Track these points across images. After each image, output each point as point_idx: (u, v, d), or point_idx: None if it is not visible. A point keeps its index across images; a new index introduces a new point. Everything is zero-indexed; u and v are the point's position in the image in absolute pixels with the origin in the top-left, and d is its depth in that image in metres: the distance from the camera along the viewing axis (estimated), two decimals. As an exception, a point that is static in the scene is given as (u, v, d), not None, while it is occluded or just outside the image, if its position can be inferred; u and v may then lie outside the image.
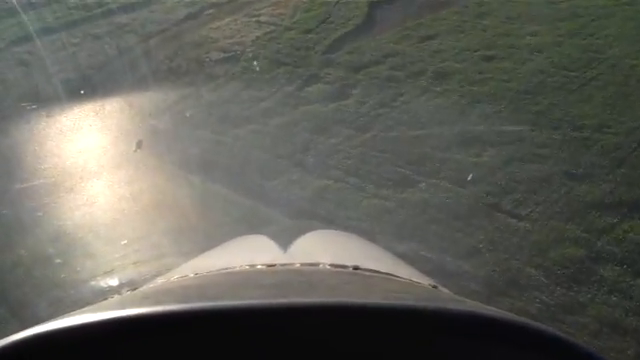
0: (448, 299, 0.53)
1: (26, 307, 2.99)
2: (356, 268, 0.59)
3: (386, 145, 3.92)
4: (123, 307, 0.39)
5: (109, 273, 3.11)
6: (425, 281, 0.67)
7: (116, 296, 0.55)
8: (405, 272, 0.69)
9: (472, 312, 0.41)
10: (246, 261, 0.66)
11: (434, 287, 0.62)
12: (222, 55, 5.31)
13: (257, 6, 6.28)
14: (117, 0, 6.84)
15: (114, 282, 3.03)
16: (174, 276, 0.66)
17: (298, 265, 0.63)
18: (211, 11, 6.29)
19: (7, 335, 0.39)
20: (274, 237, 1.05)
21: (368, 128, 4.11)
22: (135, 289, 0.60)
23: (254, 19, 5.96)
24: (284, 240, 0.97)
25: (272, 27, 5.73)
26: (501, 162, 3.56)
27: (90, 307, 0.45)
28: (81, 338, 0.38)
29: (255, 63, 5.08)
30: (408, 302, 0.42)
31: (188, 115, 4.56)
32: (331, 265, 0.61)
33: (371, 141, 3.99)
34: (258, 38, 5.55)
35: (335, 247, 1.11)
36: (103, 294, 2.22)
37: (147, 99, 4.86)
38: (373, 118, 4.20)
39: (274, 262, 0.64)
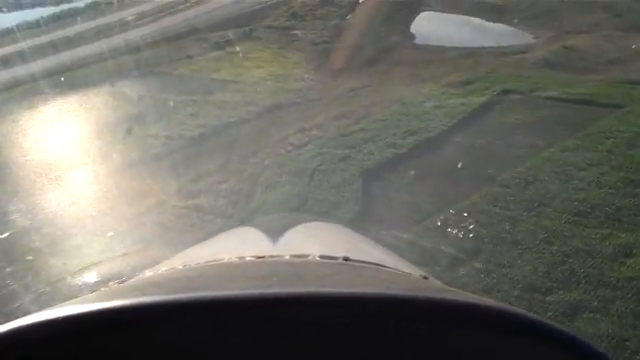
0: (440, 289, 0.52)
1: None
2: (346, 259, 0.58)
3: None
4: (111, 299, 0.39)
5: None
6: (416, 272, 0.66)
7: (103, 288, 0.54)
8: (396, 263, 0.68)
9: (464, 302, 0.40)
10: (235, 253, 0.64)
11: (425, 278, 0.61)
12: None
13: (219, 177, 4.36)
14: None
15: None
16: (162, 268, 0.65)
17: (287, 257, 0.61)
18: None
19: None
20: (264, 229, 1.01)
21: None
22: (123, 281, 0.59)
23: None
24: (274, 232, 0.94)
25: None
26: None
27: (78, 299, 0.43)
28: (69, 329, 0.38)
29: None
30: (398, 292, 0.42)
31: None
32: (321, 256, 0.59)
33: None
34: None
35: (325, 239, 1.09)
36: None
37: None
38: None
39: (263, 254, 0.63)
